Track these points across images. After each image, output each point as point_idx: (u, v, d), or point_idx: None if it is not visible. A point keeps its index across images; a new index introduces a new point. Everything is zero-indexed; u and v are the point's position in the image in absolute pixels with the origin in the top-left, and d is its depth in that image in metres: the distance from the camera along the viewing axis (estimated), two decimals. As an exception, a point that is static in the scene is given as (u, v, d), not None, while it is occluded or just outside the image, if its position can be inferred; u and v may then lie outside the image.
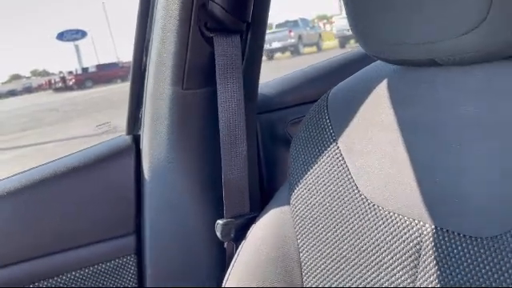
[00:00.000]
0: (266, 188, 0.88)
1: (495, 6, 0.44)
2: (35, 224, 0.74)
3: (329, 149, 0.64)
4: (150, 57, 0.77)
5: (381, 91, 0.60)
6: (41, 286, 0.74)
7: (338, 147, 0.63)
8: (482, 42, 0.46)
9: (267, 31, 0.85)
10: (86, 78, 18.43)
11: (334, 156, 0.63)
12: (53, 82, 20.96)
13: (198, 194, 0.80)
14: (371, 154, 0.59)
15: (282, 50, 14.64)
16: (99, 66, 18.89)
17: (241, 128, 0.76)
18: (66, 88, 19.10)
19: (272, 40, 14.19)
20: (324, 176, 0.64)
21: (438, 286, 0.50)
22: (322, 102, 0.68)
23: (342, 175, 0.62)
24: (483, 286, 0.47)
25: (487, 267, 0.47)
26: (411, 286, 0.53)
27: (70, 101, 14.43)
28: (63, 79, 19.99)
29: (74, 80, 18.96)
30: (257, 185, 0.88)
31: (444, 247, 0.51)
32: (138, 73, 0.80)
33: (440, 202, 0.52)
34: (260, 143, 0.91)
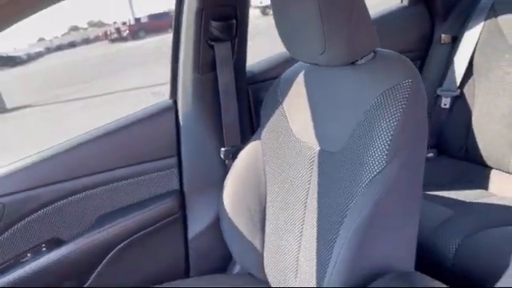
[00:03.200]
0: (256, 129, 1.25)
1: (328, 44, 0.84)
2: (121, 149, 1.18)
3: (278, 108, 1.05)
4: (181, 55, 1.21)
5: (303, 77, 1.02)
6: (115, 186, 1.17)
7: (283, 107, 1.04)
8: (329, 59, 0.87)
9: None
10: (139, 29, 18.06)
11: (280, 112, 1.05)
12: (108, 33, 20.65)
13: (210, 133, 1.23)
14: (299, 110, 1.01)
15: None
16: (151, 16, 18.28)
17: (232, 95, 1.19)
18: (121, 38, 18.78)
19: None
20: (275, 124, 1.06)
21: (319, 177, 0.93)
22: (277, 80, 1.08)
23: (284, 123, 1.04)
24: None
25: (329, 171, 0.90)
26: (309, 179, 0.97)
27: (125, 52, 14.43)
28: (118, 30, 19.65)
29: (127, 31, 18.65)
30: (248, 127, 1.31)
31: (321, 159, 0.93)
32: (175, 66, 1.23)
33: (321, 133, 0.95)
34: (251, 102, 1.32)
